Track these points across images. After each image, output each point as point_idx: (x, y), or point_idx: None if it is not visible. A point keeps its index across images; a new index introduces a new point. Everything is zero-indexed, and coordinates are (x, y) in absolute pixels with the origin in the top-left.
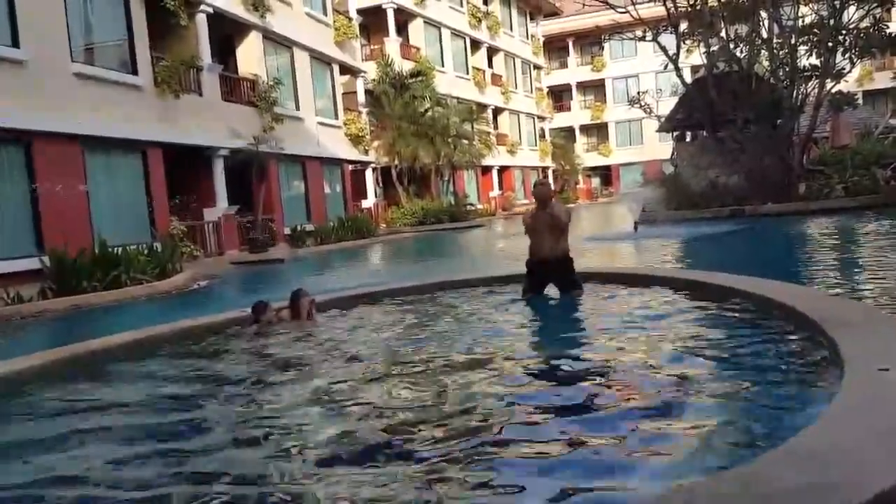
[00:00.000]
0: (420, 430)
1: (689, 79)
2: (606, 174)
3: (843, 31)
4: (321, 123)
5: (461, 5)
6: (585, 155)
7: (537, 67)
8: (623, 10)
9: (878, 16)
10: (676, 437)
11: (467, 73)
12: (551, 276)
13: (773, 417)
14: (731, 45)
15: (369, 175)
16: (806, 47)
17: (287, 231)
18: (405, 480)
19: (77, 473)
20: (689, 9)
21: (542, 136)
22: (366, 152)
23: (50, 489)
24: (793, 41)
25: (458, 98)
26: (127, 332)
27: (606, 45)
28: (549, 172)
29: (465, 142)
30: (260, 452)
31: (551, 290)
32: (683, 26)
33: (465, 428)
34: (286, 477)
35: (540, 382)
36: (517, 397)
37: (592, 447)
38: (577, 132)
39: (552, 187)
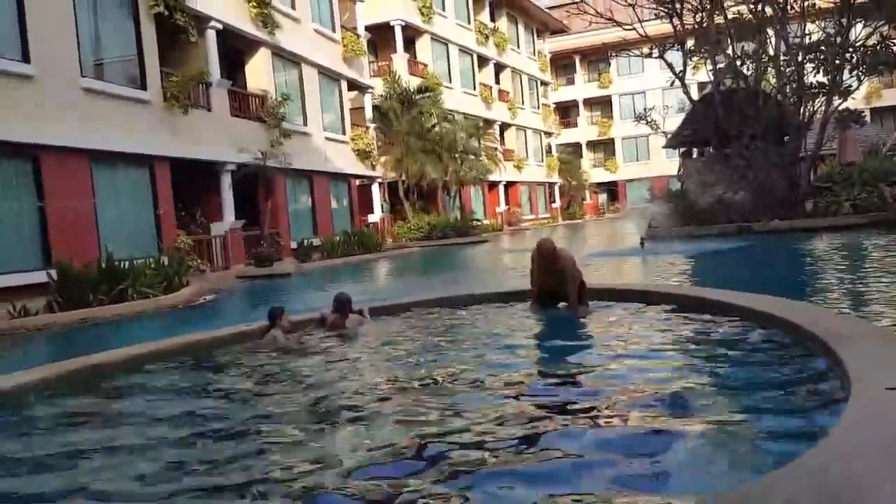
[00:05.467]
0: (420, 445)
1: (695, 95)
2: (613, 190)
3: (850, 49)
4: (329, 139)
5: (468, 22)
6: (592, 171)
7: (544, 84)
8: (630, 27)
9: (885, 33)
10: (681, 454)
11: (474, 89)
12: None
13: (780, 435)
14: (738, 62)
15: (376, 190)
16: (813, 65)
17: (293, 245)
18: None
19: (78, 485)
20: (696, 26)
21: (549, 151)
22: (373, 167)
23: (48, 500)
24: (800, 58)
25: (465, 114)
26: (132, 346)
27: (613, 62)
28: (556, 188)
29: (472, 157)
30: (261, 463)
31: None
32: (690, 43)
33: (470, 443)
34: (284, 488)
35: (544, 397)
36: (521, 412)
37: (597, 463)
38: (584, 148)
39: (552, 244)
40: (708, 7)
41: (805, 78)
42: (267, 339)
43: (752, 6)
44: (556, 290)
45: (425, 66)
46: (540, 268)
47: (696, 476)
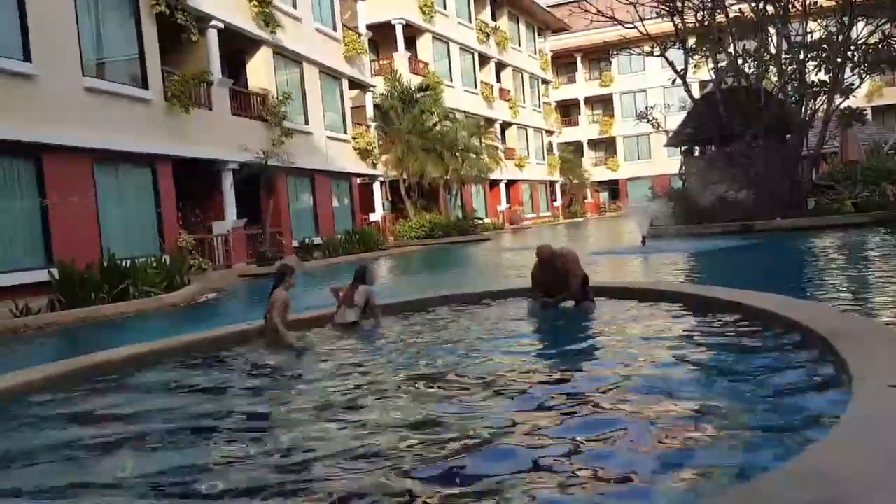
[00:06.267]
0: (423, 443)
1: (697, 94)
2: (614, 188)
3: (852, 47)
4: (330, 137)
5: (469, 21)
6: (593, 169)
7: (545, 82)
8: (631, 25)
9: (886, 31)
10: (681, 453)
11: (475, 88)
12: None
13: (782, 434)
14: (740, 61)
15: (377, 189)
16: (814, 63)
17: (295, 244)
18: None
19: (79, 483)
20: (697, 24)
21: (550, 150)
22: (374, 166)
23: (52, 497)
24: (801, 56)
25: (466, 112)
26: (134, 345)
27: (614, 61)
28: (557, 187)
29: (473, 156)
30: (259, 465)
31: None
32: (691, 42)
33: (471, 440)
34: (284, 488)
35: (547, 396)
36: (522, 410)
37: (595, 464)
38: (585, 146)
39: (551, 249)
40: (709, 5)
41: (807, 76)
42: (275, 296)
43: (753, 4)
44: (560, 289)
45: (426, 64)
46: (542, 272)
47: (695, 475)
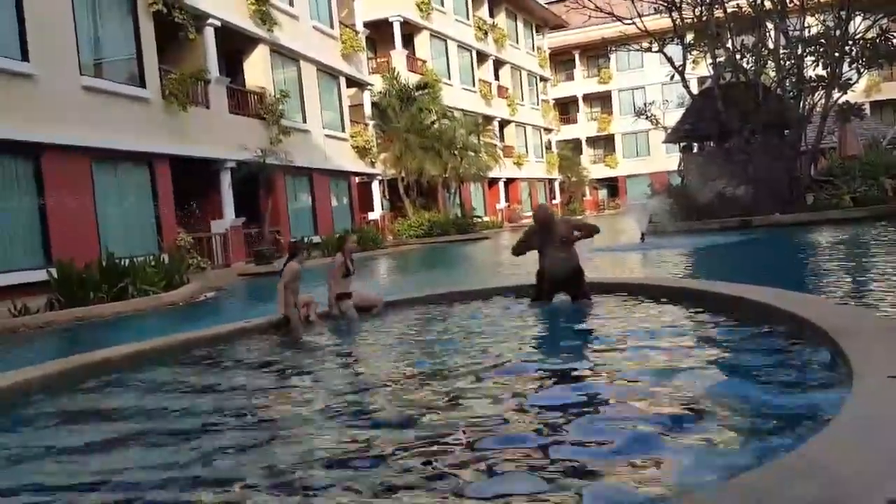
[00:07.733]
0: (421, 441)
1: (695, 90)
2: (613, 186)
3: (850, 42)
4: (328, 136)
5: (467, 18)
6: (592, 167)
7: (544, 79)
8: (629, 21)
9: (884, 26)
10: (680, 446)
11: (473, 86)
12: (562, 287)
13: (780, 426)
14: (738, 56)
15: (376, 187)
16: (812, 58)
17: None
18: (399, 492)
19: (78, 481)
20: (695, 20)
21: (549, 148)
22: (372, 164)
23: (52, 496)
24: (799, 51)
25: (464, 110)
26: (133, 343)
27: (613, 57)
28: (556, 184)
29: (472, 154)
30: (259, 462)
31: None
32: (689, 37)
33: (469, 438)
34: (284, 485)
35: (544, 391)
36: (520, 406)
37: (594, 457)
38: (584, 144)
39: (549, 210)
40: (707, 1)
41: (804, 71)
42: (287, 270)
43: None
44: (553, 260)
45: (424, 62)
46: (539, 237)
47: (694, 470)
